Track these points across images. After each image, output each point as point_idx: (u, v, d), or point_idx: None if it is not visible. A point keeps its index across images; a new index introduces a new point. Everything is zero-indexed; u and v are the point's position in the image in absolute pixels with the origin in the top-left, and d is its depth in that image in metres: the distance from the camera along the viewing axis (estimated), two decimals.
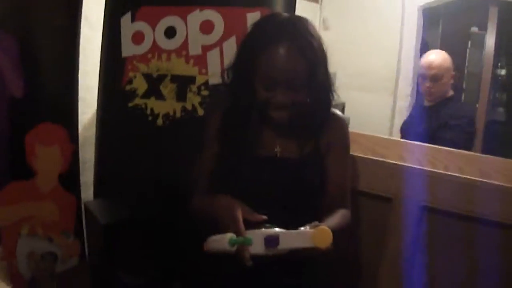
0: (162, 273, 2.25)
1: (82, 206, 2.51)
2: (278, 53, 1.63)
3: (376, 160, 2.28)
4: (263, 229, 1.54)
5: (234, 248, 1.52)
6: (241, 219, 1.55)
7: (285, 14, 1.77)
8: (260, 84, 1.68)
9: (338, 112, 1.88)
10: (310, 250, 1.49)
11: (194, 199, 1.85)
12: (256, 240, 1.51)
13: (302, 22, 1.71)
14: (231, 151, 1.80)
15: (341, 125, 1.87)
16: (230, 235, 1.53)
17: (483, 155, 2.58)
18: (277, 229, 1.53)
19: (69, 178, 2.53)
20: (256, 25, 1.77)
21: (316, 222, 1.57)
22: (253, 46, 1.70)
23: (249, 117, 1.79)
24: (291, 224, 1.54)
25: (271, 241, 1.51)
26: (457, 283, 2.10)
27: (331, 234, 1.47)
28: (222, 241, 1.54)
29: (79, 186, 2.60)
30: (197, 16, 2.39)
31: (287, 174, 1.77)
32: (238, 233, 1.53)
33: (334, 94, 1.80)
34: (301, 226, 1.53)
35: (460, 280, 2.09)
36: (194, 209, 1.83)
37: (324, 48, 1.72)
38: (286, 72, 1.64)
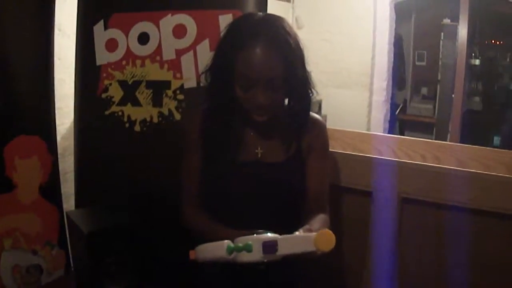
0: (146, 280, 2.25)
1: (65, 216, 2.50)
2: (255, 52, 1.61)
3: (355, 155, 2.31)
4: (258, 235, 1.50)
5: (232, 256, 1.48)
6: None
7: (261, 14, 1.76)
8: (238, 85, 1.66)
9: (316, 115, 1.89)
10: (308, 254, 1.47)
11: (186, 212, 1.85)
12: (254, 246, 1.47)
13: (278, 21, 1.70)
14: (213, 156, 1.80)
15: (321, 128, 1.87)
16: (227, 242, 1.49)
17: (459, 144, 2.62)
18: (271, 234, 1.49)
19: (50, 189, 2.50)
20: (232, 25, 1.76)
21: (307, 226, 1.56)
22: (229, 46, 1.68)
23: (229, 120, 1.78)
24: (275, 227, 1.53)
25: (269, 247, 1.46)
26: (438, 269, 2.13)
27: (333, 236, 1.43)
28: (218, 249, 1.50)
29: (61, 196, 2.59)
30: (169, 21, 2.39)
31: (269, 178, 1.78)
32: None
33: (313, 91, 1.79)
34: (286, 229, 1.51)
35: (436, 265, 2.12)
36: (188, 223, 1.84)
37: (301, 46, 1.71)
38: (264, 71, 1.62)
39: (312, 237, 1.44)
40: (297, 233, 1.51)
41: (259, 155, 1.81)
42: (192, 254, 1.56)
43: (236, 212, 1.73)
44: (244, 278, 1.72)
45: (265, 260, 1.47)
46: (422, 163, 2.25)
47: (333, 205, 1.88)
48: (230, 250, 1.48)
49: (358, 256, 2.27)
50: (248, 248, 1.47)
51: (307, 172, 1.83)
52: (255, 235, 1.50)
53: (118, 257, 2.13)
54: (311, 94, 1.78)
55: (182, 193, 1.88)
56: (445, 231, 2.10)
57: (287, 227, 1.52)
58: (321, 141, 1.87)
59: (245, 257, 1.48)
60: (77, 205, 2.66)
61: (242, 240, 1.49)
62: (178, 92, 2.40)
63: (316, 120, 1.87)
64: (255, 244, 1.47)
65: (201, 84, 2.14)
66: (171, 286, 2.33)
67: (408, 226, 2.16)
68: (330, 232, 1.44)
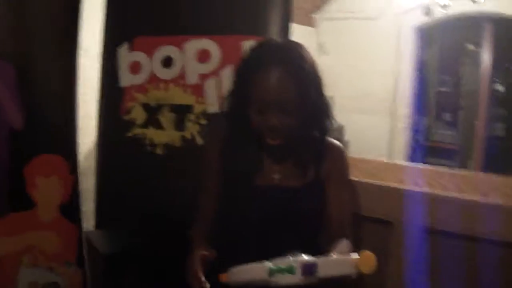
0: None
1: (83, 236, 2.50)
2: (269, 75, 1.63)
3: (376, 184, 2.28)
4: (295, 257, 1.48)
5: (274, 279, 1.46)
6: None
7: (279, 39, 1.78)
8: (253, 108, 1.68)
9: (337, 142, 1.87)
10: (346, 277, 1.45)
11: (192, 233, 1.85)
12: (295, 268, 1.45)
13: (294, 47, 1.72)
14: (229, 180, 1.81)
15: (339, 154, 1.86)
16: (268, 264, 1.47)
17: (481, 174, 2.59)
18: (306, 256, 1.47)
19: (70, 208, 2.52)
20: (250, 50, 1.78)
21: (339, 250, 1.55)
22: (246, 70, 1.71)
23: (246, 145, 1.79)
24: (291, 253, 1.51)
25: (309, 269, 1.44)
26: None
27: (375, 258, 1.42)
28: (258, 271, 1.48)
29: (81, 215, 2.60)
30: (193, 45, 2.40)
31: (286, 202, 1.76)
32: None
33: (331, 119, 1.79)
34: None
35: None
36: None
37: (318, 73, 1.72)
38: (276, 94, 1.63)
39: (353, 259, 1.43)
40: (334, 255, 1.50)
41: (277, 181, 1.80)
42: (225, 277, 1.54)
43: (253, 237, 1.73)
44: None
45: (302, 284, 1.45)
46: (445, 194, 2.22)
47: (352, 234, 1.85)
48: (272, 272, 1.46)
49: (377, 285, 2.24)
50: (291, 270, 1.45)
51: (328, 198, 1.81)
52: (290, 257, 1.48)
53: (136, 281, 2.13)
54: (328, 122, 1.79)
55: (196, 214, 1.90)
56: (468, 263, 2.07)
57: (303, 252, 1.50)
58: (340, 167, 1.85)
59: (283, 279, 1.46)
60: (97, 225, 2.66)
61: (280, 262, 1.47)
62: (200, 116, 2.41)
63: (334, 145, 1.86)
64: (295, 266, 1.45)
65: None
66: None
67: (430, 257, 2.13)
68: (372, 254, 1.42)
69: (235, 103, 1.77)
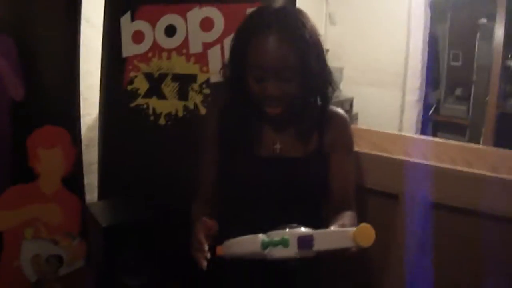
0: (163, 275, 2.23)
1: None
2: (267, 41, 1.58)
3: (382, 156, 2.25)
4: (292, 229, 1.42)
5: (266, 251, 1.41)
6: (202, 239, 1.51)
7: (279, 5, 1.72)
8: (251, 76, 1.63)
9: (341, 111, 1.82)
10: (345, 251, 1.39)
11: (193, 207, 1.81)
12: (289, 241, 1.40)
13: (294, 12, 1.67)
14: (229, 151, 1.77)
15: (342, 123, 1.81)
16: (262, 236, 1.42)
17: (492, 148, 2.53)
18: (304, 229, 1.41)
19: (73, 179, 2.52)
20: (248, 16, 1.73)
21: (340, 222, 1.53)
22: (243, 36, 1.66)
23: (246, 114, 1.75)
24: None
25: (305, 241, 1.38)
26: (464, 279, 2.06)
27: (373, 231, 1.35)
28: (251, 243, 1.43)
29: (83, 187, 2.59)
30: (196, 14, 2.38)
31: (288, 173, 1.73)
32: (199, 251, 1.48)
33: (334, 87, 1.74)
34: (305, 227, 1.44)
35: (468, 276, 2.05)
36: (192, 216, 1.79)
37: (319, 40, 1.67)
38: (274, 61, 1.59)
39: (350, 232, 1.37)
40: (332, 228, 1.46)
41: (278, 151, 1.77)
42: (220, 250, 1.50)
43: (254, 208, 1.71)
44: (270, 275, 1.68)
45: (298, 257, 1.40)
46: (452, 167, 2.17)
47: (357, 206, 1.81)
48: (265, 245, 1.41)
49: (381, 258, 2.21)
50: (284, 243, 1.39)
51: (331, 169, 1.77)
52: (287, 229, 1.43)
53: (137, 252, 2.11)
54: (330, 90, 1.74)
55: (196, 187, 1.85)
56: (474, 238, 2.03)
57: (305, 225, 1.45)
58: (344, 136, 1.80)
59: (278, 252, 1.40)
60: (99, 196, 2.65)
61: (275, 234, 1.42)
62: (204, 86, 2.39)
63: (337, 114, 1.81)
64: (290, 238, 1.40)
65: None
66: (192, 282, 2.30)
67: (435, 231, 2.10)
68: (370, 226, 1.36)
69: (234, 70, 1.72)
